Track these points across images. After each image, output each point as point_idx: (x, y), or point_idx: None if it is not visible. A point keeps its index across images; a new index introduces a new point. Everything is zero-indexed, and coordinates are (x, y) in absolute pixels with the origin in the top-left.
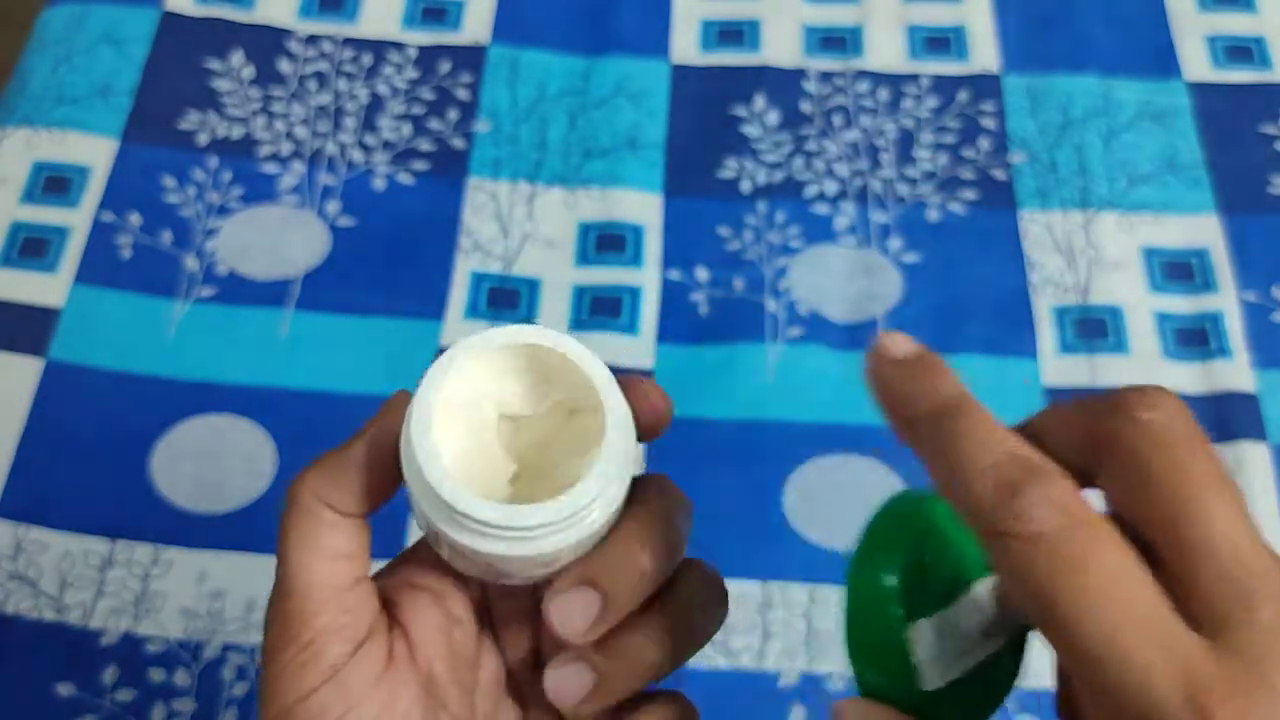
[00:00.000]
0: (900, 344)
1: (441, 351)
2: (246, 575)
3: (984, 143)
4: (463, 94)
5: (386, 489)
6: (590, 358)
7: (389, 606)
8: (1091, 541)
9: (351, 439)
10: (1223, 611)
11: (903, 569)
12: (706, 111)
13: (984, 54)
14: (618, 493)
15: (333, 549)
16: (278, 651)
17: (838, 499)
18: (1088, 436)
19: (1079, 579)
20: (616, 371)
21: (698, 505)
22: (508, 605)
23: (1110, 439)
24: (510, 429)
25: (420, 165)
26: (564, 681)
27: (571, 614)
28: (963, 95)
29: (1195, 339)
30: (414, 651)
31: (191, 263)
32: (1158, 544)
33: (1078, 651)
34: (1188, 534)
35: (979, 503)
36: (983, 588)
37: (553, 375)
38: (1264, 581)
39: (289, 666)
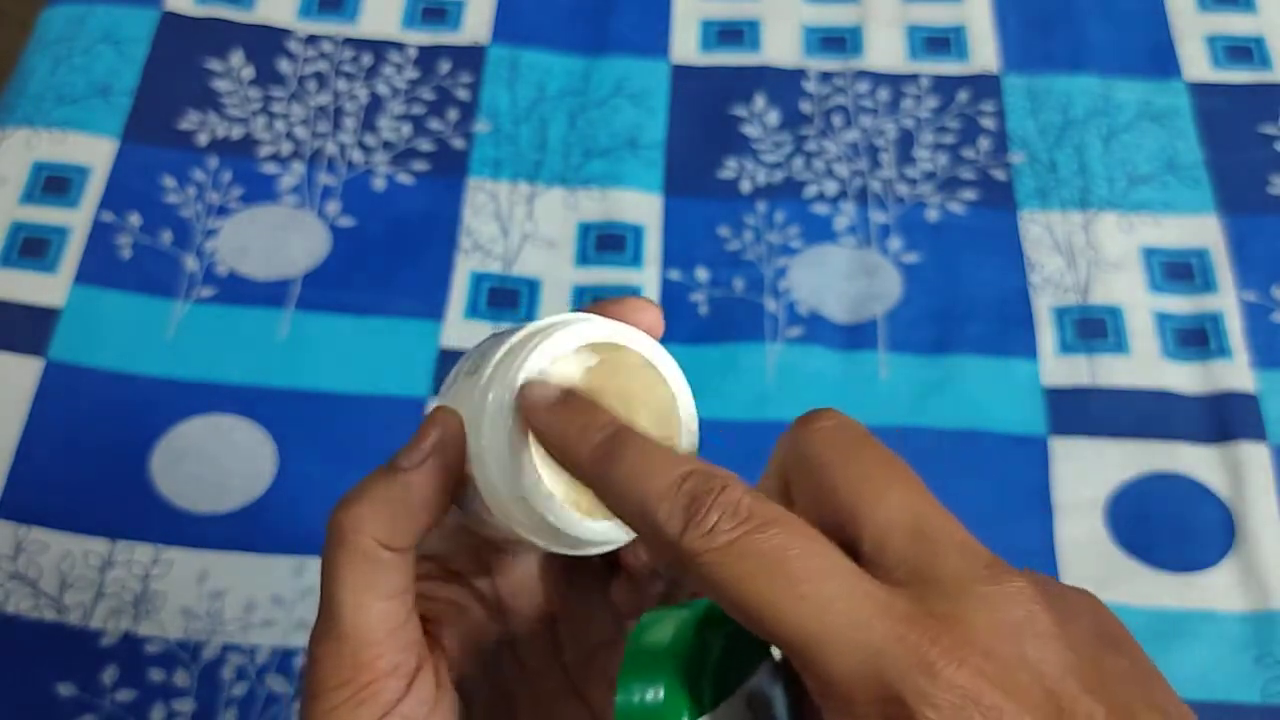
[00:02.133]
0: (543, 390)
1: (442, 353)
2: (246, 575)
3: (984, 143)
4: (463, 94)
5: (441, 516)
6: (671, 364)
7: (425, 626)
8: (780, 536)
9: (401, 468)
10: (913, 566)
11: (667, 686)
12: (706, 111)
13: (984, 54)
14: None
15: (389, 588)
16: (330, 691)
17: None
18: (779, 462)
19: (778, 577)
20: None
21: None
22: (522, 601)
23: (792, 453)
24: None
25: (420, 165)
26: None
27: (637, 603)
28: (963, 95)
29: (1195, 339)
30: (451, 668)
31: (191, 263)
32: (847, 533)
33: (797, 641)
34: (869, 511)
35: (663, 529)
36: (755, 683)
37: (626, 375)
38: (944, 533)
39: (344, 707)
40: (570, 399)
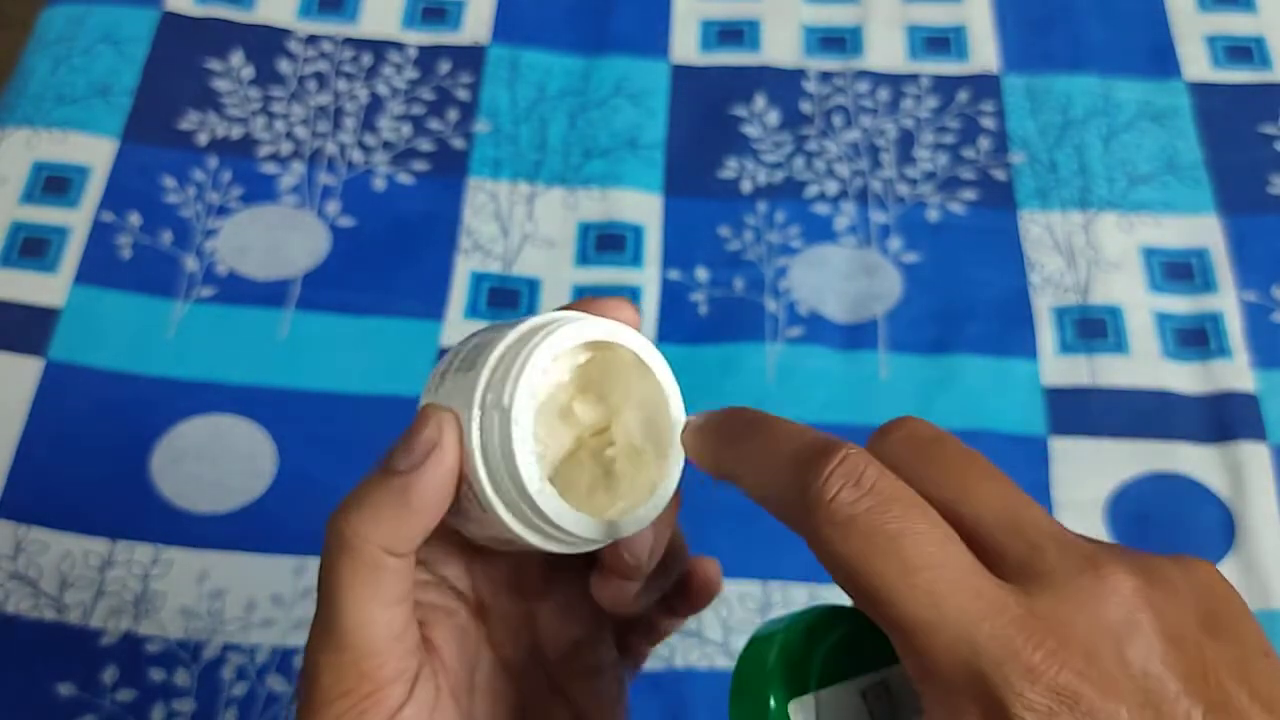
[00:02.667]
0: (696, 417)
1: (442, 353)
2: (246, 575)
3: (984, 143)
4: (463, 94)
5: (440, 517)
6: (662, 363)
7: (420, 629)
8: (900, 517)
9: (398, 470)
10: (1015, 562)
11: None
12: (706, 111)
13: (984, 54)
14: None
15: (392, 596)
16: (334, 700)
17: None
18: None
19: (894, 560)
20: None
21: (697, 506)
22: (502, 600)
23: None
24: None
25: (420, 165)
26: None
27: (618, 599)
28: (963, 95)
29: (1195, 339)
30: (447, 672)
31: (191, 263)
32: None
33: (905, 626)
34: (962, 508)
35: (785, 494)
36: (870, 677)
37: (617, 373)
38: (1038, 526)
39: (348, 714)
40: (727, 411)
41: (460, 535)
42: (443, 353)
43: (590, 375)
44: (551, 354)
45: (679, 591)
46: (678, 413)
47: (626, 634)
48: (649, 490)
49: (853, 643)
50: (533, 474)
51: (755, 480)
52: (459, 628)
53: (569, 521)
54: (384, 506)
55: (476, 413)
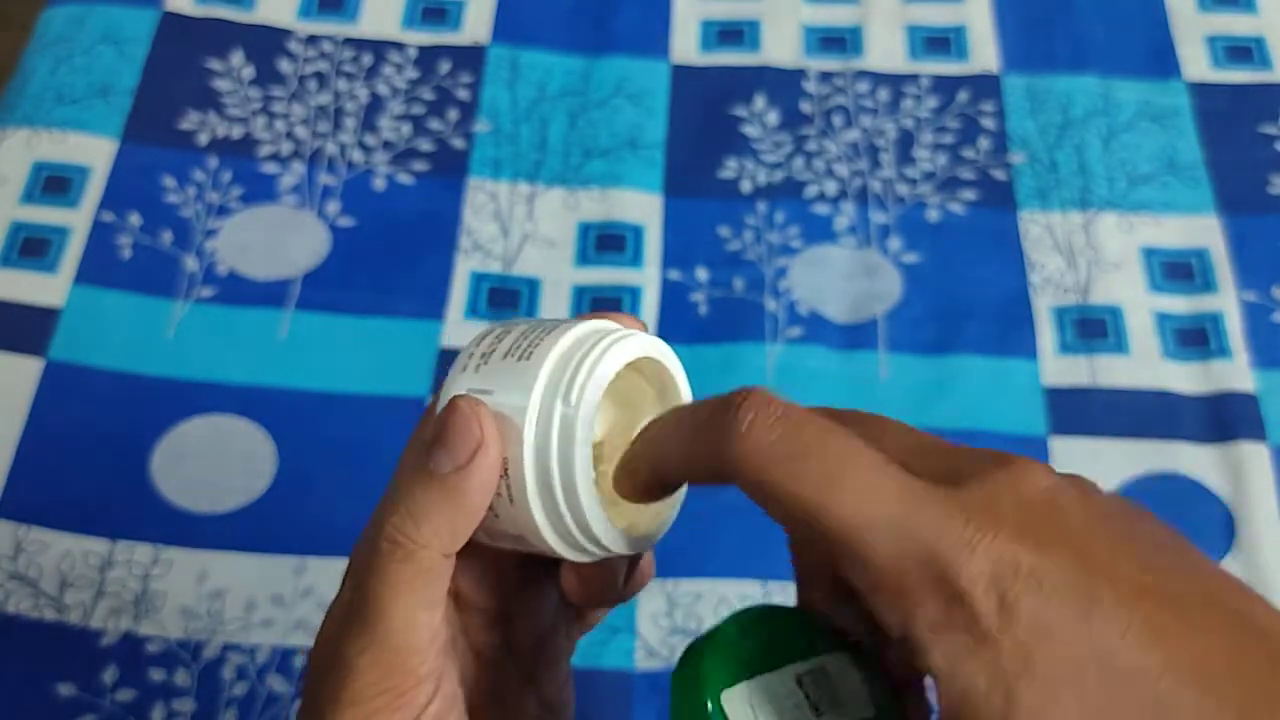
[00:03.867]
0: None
1: (443, 353)
2: (246, 575)
3: (984, 143)
4: (463, 94)
5: (481, 518)
6: (683, 376)
7: None
8: (818, 432)
9: (446, 472)
10: (933, 475)
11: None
12: (706, 111)
13: (984, 54)
14: None
15: (435, 598)
16: (372, 698)
17: None
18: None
19: (820, 470)
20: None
21: (697, 506)
22: (480, 594)
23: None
24: None
25: (420, 165)
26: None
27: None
28: (963, 95)
29: (1195, 339)
30: (456, 665)
31: (191, 263)
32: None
33: (843, 532)
34: (877, 443)
35: (703, 447)
36: (815, 664)
37: (637, 393)
38: (946, 446)
39: (382, 709)
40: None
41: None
42: (443, 353)
43: (612, 393)
44: (623, 359)
45: None
46: None
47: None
48: (651, 510)
49: (788, 637)
50: (587, 477)
51: (675, 454)
52: (449, 619)
53: (601, 530)
54: (434, 508)
55: (535, 404)
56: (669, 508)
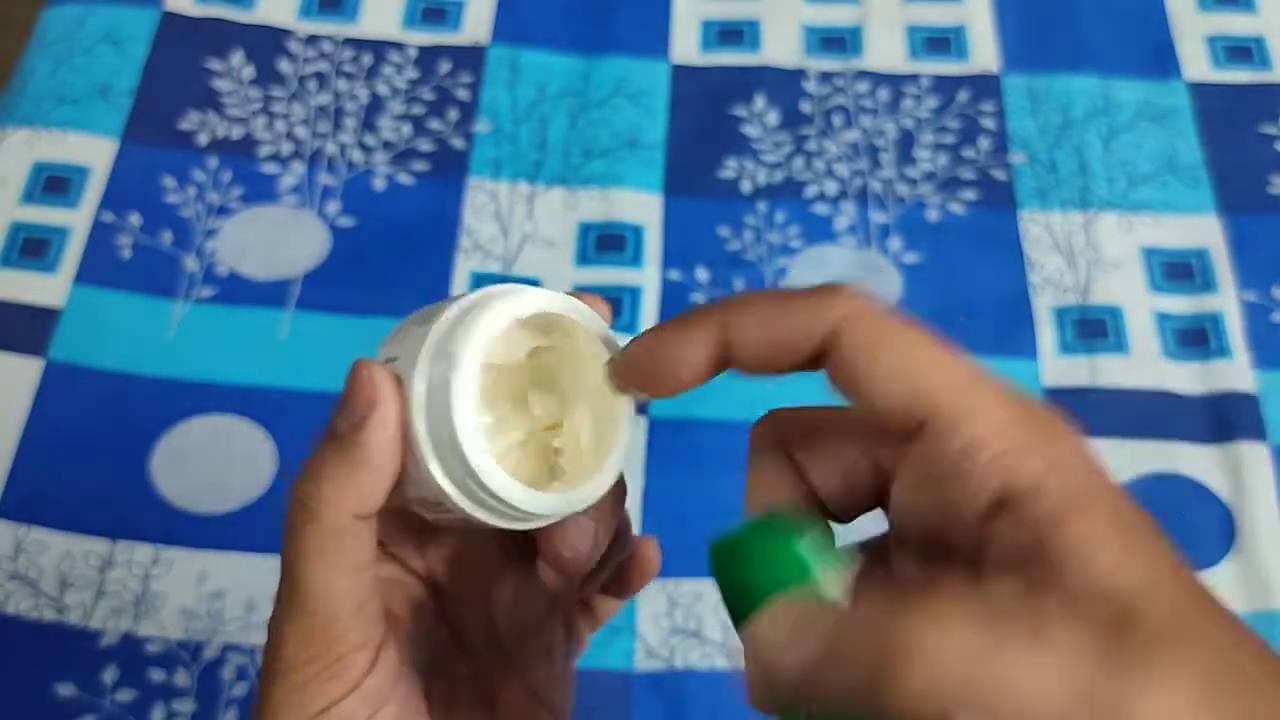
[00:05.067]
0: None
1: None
2: (246, 575)
3: (984, 143)
4: (463, 94)
5: (396, 473)
6: (603, 329)
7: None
8: (919, 327)
9: (344, 431)
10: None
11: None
12: (706, 111)
13: (984, 54)
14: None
15: (356, 562)
16: (300, 667)
17: None
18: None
19: (936, 352)
20: None
21: (697, 505)
22: (457, 581)
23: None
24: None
25: (420, 165)
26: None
27: (563, 584)
28: (963, 95)
29: (1195, 339)
30: (407, 644)
31: (191, 263)
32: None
33: (946, 410)
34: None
35: (805, 319)
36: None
37: (574, 365)
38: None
39: (313, 681)
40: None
41: (413, 519)
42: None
43: (548, 365)
44: (510, 314)
45: (618, 576)
46: (629, 410)
47: (570, 618)
48: (585, 473)
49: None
50: (467, 421)
51: (761, 318)
52: (415, 602)
53: (495, 481)
54: (338, 468)
55: (424, 362)
56: (601, 473)
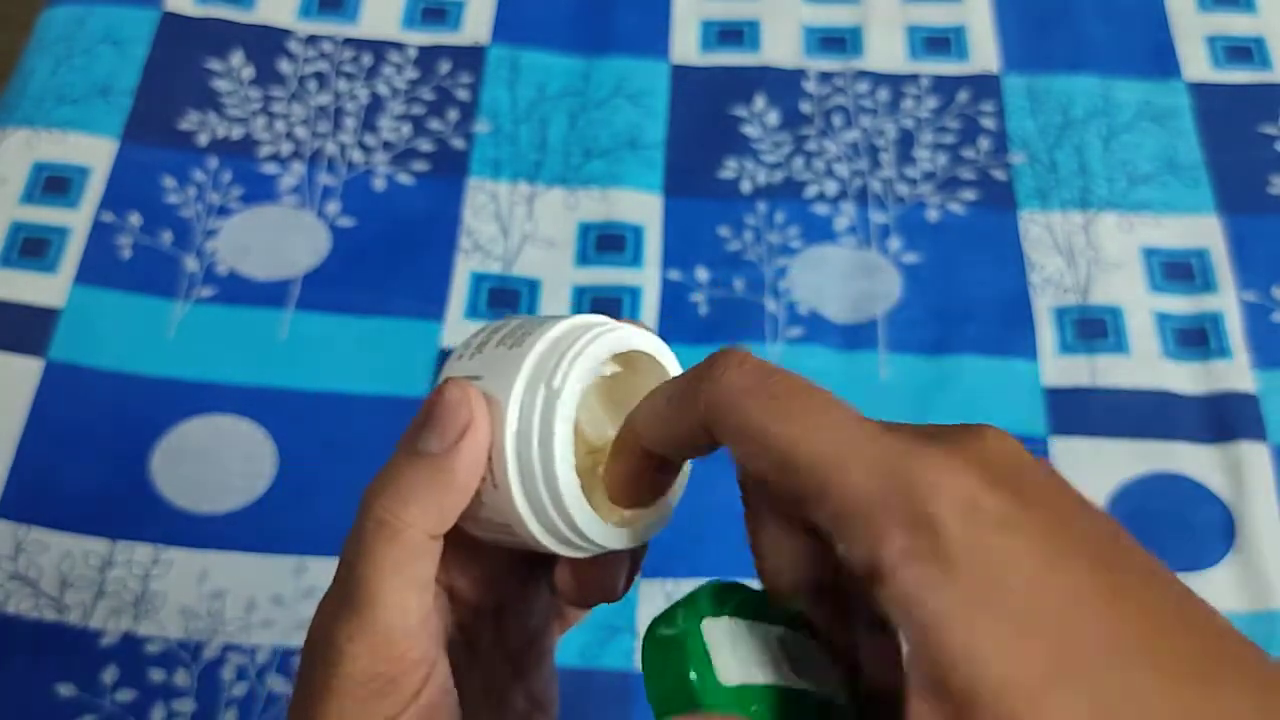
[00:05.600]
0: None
1: (442, 353)
2: (246, 575)
3: (984, 143)
4: (463, 94)
5: (470, 500)
6: (676, 366)
7: None
8: (785, 379)
9: (430, 451)
10: (920, 433)
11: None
12: (706, 111)
13: (984, 54)
14: None
15: (424, 579)
16: (363, 683)
17: None
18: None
19: (793, 409)
20: None
21: (699, 505)
22: (474, 591)
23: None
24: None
25: (420, 165)
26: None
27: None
28: (963, 95)
29: (1195, 339)
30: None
31: (191, 263)
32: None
33: (818, 468)
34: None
35: (681, 406)
36: (776, 630)
37: (626, 368)
38: (935, 426)
39: (374, 697)
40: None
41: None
42: (443, 353)
43: (610, 394)
44: (610, 349)
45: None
46: None
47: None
48: (644, 508)
49: (760, 607)
50: (567, 461)
51: (659, 416)
52: (442, 608)
53: (580, 516)
54: (421, 488)
55: (520, 388)
56: (662, 507)
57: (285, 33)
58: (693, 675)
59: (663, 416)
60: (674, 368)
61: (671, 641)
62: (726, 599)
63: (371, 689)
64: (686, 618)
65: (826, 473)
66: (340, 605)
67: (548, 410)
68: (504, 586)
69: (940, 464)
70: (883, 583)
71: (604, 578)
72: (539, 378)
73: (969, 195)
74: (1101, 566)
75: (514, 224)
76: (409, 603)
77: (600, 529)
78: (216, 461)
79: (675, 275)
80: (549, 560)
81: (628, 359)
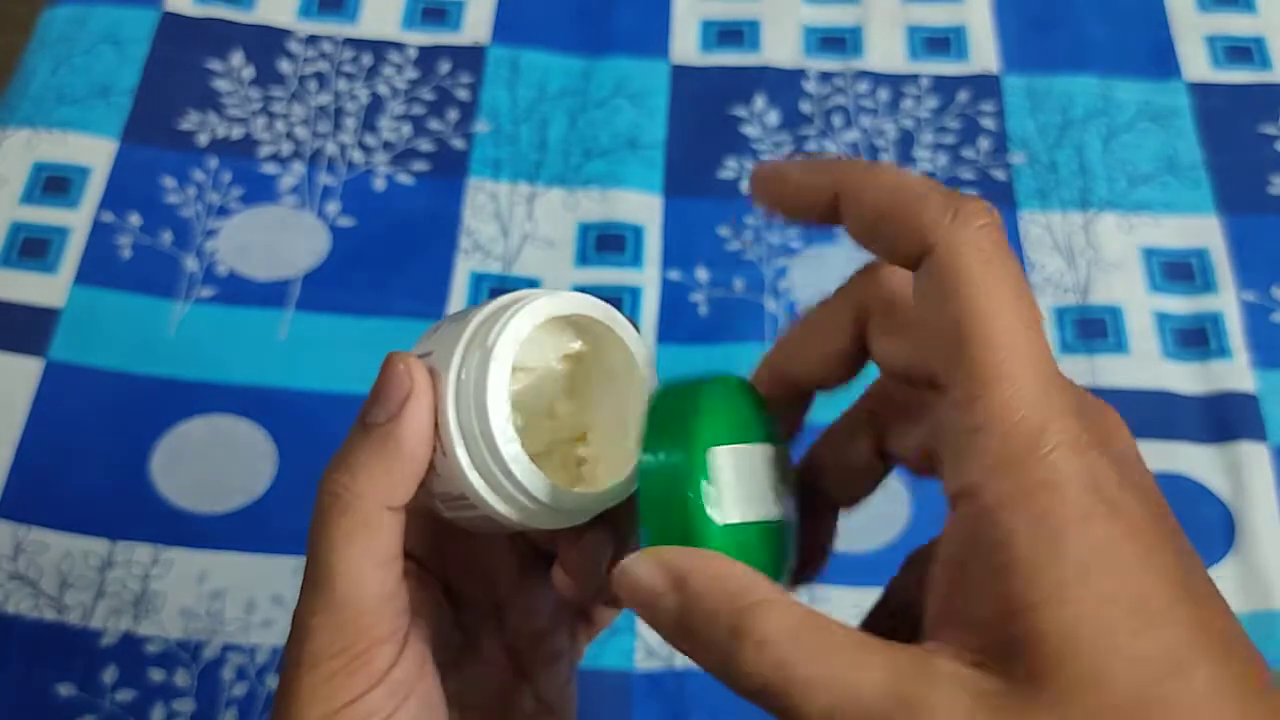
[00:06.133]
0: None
1: None
2: (246, 575)
3: (984, 143)
4: (463, 94)
5: (424, 469)
6: (637, 339)
7: None
8: (1016, 268)
9: (379, 422)
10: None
11: (690, 443)
12: (706, 111)
13: (984, 54)
14: None
15: (385, 553)
16: (327, 660)
17: None
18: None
19: (1021, 301)
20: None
21: None
22: (473, 587)
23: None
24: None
25: (420, 165)
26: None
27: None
28: (963, 95)
29: (1195, 339)
30: (427, 640)
31: (191, 263)
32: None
33: (991, 368)
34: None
35: (927, 217)
36: (774, 449)
37: (606, 375)
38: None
39: (338, 674)
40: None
41: (431, 522)
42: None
43: (577, 374)
44: (546, 311)
45: None
46: (652, 382)
47: (573, 626)
48: (605, 474)
49: (757, 416)
50: (500, 410)
51: (890, 193)
52: (433, 602)
53: (520, 469)
54: (371, 459)
55: (459, 354)
56: (630, 477)
57: (285, 33)
58: (694, 518)
59: (904, 209)
60: (628, 333)
61: (677, 472)
62: (729, 407)
63: (338, 665)
64: (693, 441)
65: (993, 380)
66: (306, 583)
67: (482, 368)
68: (501, 583)
69: (1080, 421)
70: (966, 457)
71: (587, 564)
72: (476, 343)
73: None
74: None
75: (514, 224)
76: (365, 575)
77: (544, 485)
78: (216, 461)
79: (675, 275)
80: (547, 558)
81: (592, 338)
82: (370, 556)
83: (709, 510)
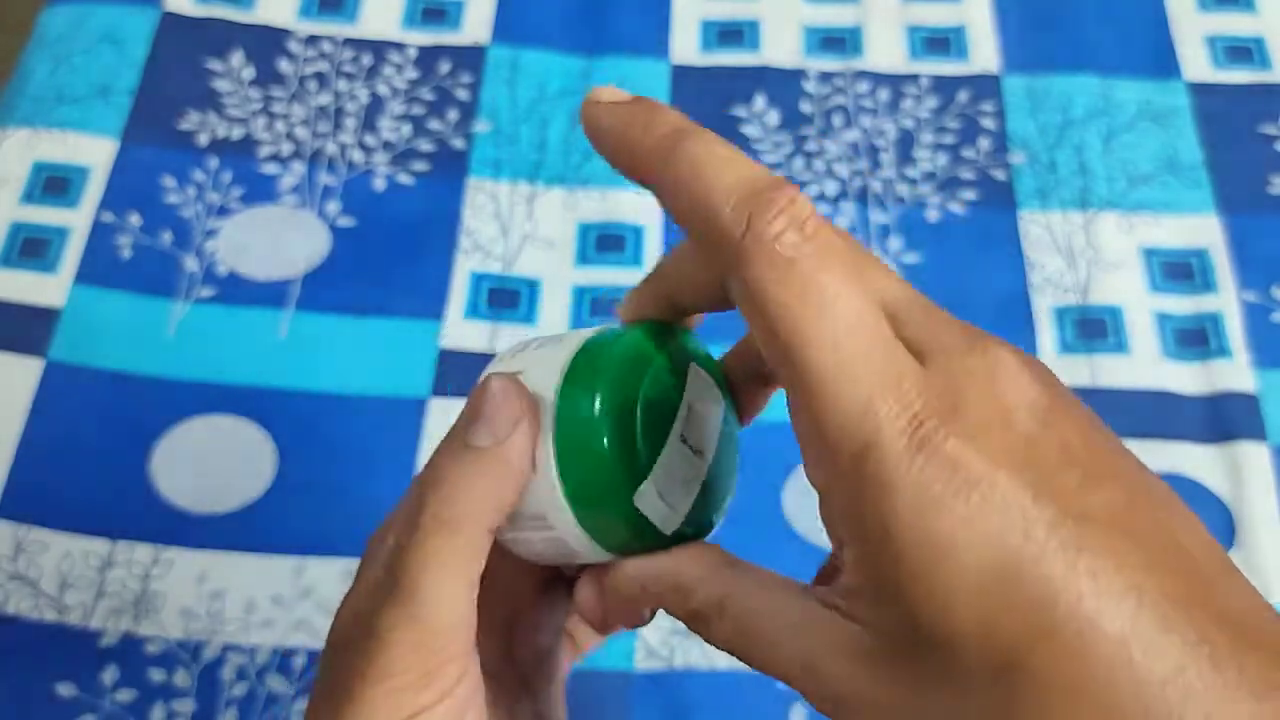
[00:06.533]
0: (612, 91)
1: (442, 353)
2: (246, 575)
3: (984, 143)
4: (463, 94)
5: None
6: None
7: None
8: (838, 272)
9: (485, 445)
10: (914, 337)
11: (612, 409)
12: (706, 111)
13: (984, 54)
14: None
15: (473, 575)
16: (401, 673)
17: None
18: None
19: (825, 311)
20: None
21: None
22: (489, 601)
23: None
24: None
25: (420, 165)
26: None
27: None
28: (963, 95)
29: (1195, 339)
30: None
31: (191, 263)
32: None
33: (811, 381)
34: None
35: (724, 227)
36: (684, 412)
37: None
38: (933, 309)
39: (411, 688)
40: (638, 98)
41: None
42: (443, 353)
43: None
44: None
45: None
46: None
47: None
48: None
49: (658, 366)
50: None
51: (687, 200)
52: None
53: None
54: (477, 481)
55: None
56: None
57: (285, 33)
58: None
59: (706, 221)
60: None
61: (591, 425)
62: (630, 386)
63: (411, 678)
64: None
65: (816, 393)
66: (384, 596)
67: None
68: (516, 598)
69: (919, 416)
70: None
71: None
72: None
73: (969, 195)
74: (1075, 521)
75: (514, 224)
76: (459, 597)
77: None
78: (216, 461)
79: None
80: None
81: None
82: (464, 578)
83: (636, 502)
